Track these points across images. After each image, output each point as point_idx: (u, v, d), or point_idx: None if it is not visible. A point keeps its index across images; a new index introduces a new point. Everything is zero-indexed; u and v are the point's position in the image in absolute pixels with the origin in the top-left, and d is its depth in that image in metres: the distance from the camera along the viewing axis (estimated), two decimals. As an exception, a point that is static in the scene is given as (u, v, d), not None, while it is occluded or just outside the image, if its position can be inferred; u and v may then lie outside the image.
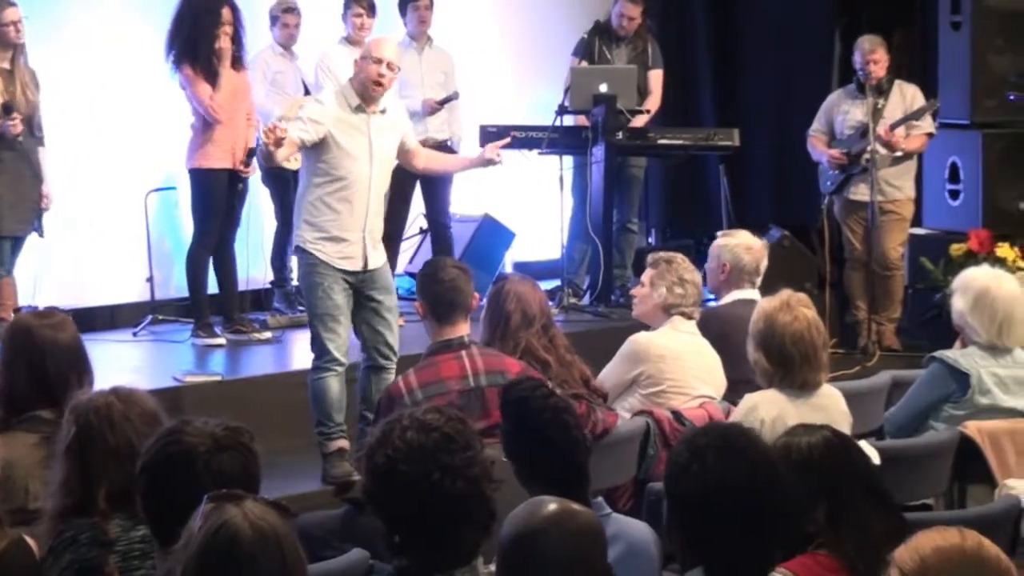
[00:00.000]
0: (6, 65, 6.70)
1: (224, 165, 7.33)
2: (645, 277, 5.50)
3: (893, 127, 8.25)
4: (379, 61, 5.78)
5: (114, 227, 8.11)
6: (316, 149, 5.81)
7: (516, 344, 4.98)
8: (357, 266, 5.86)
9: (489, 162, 6.25)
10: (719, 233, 6.08)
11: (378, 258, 5.95)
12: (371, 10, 8.09)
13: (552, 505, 2.62)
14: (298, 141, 5.77)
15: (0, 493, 3.36)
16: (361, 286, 5.88)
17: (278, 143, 5.63)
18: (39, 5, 7.52)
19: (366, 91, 5.80)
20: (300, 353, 7.29)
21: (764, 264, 5.90)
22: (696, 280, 5.47)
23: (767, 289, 4.95)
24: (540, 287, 5.29)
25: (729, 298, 5.83)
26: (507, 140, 6.66)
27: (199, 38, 7.22)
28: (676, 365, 5.28)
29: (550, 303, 5.64)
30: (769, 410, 4.45)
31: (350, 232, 5.83)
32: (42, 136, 6.95)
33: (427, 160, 6.34)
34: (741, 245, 5.86)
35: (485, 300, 5.23)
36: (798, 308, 4.53)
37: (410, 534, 2.81)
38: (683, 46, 10.37)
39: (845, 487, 3.11)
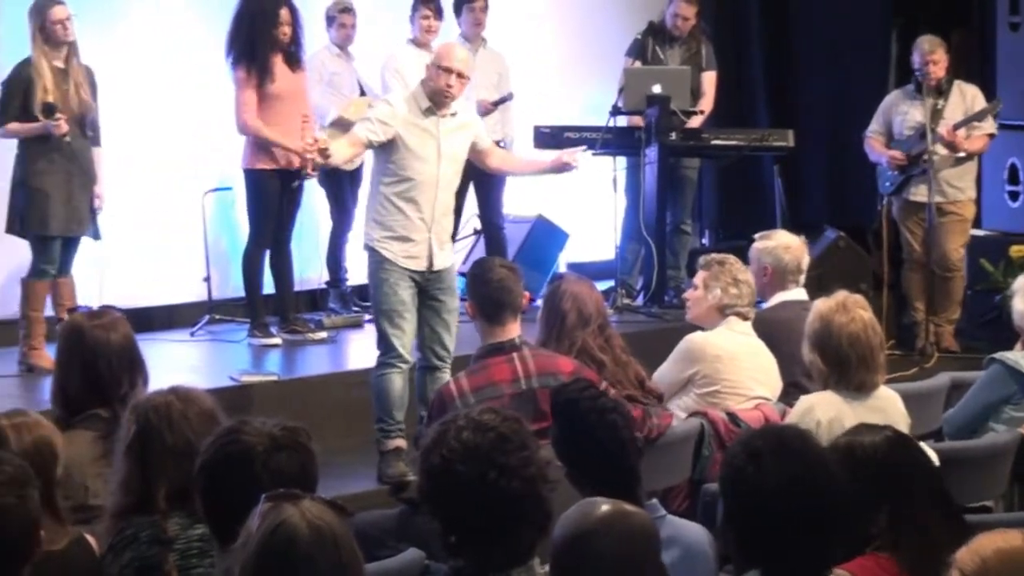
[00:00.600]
0: (60, 64, 6.71)
1: (278, 166, 7.35)
2: (698, 279, 5.47)
3: (956, 128, 8.17)
4: (449, 71, 5.81)
5: (172, 227, 8.17)
6: (385, 150, 5.86)
7: (572, 343, 4.98)
8: (422, 266, 5.88)
9: (566, 167, 6.22)
10: (756, 236, 6.03)
11: (445, 259, 5.99)
12: (438, 13, 8.12)
13: (605, 506, 2.61)
14: (365, 141, 5.84)
15: (61, 491, 3.39)
16: (426, 285, 5.91)
17: (323, 155, 5.68)
18: (94, 3, 7.58)
19: (436, 98, 5.84)
20: (355, 353, 7.33)
21: (806, 261, 5.87)
22: (750, 280, 5.46)
23: (822, 290, 4.91)
24: (596, 287, 5.28)
25: (774, 300, 5.80)
26: (582, 148, 6.61)
27: (256, 39, 7.25)
28: (732, 365, 5.26)
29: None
30: (826, 411, 4.42)
31: (417, 232, 5.86)
32: (97, 136, 6.93)
33: (501, 160, 6.36)
34: (780, 246, 5.83)
35: (541, 300, 5.23)
36: (855, 309, 4.50)
37: (466, 534, 2.80)
38: (737, 47, 10.32)
39: (907, 487, 3.08)
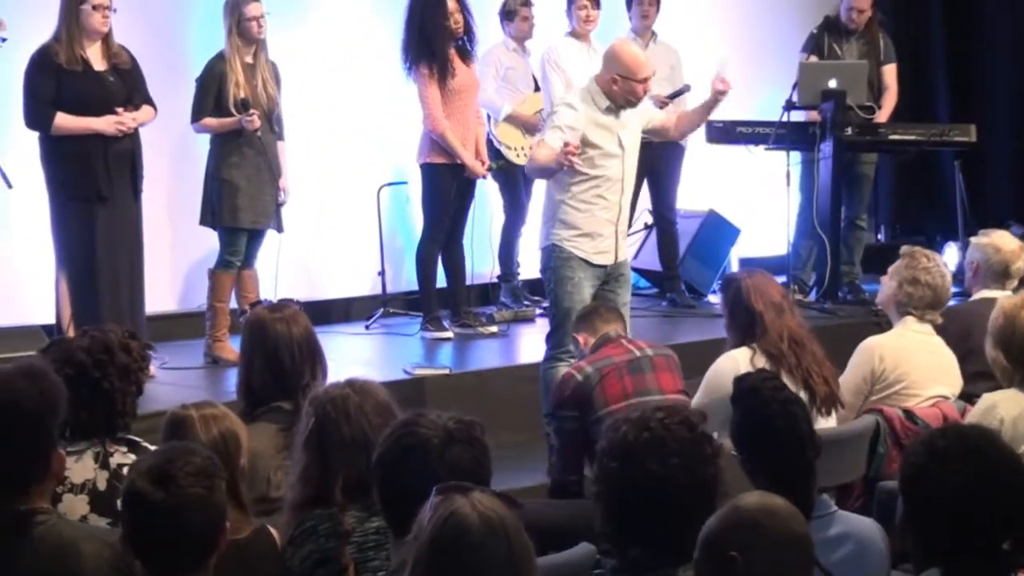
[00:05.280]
0: (249, 60, 6.86)
1: (453, 161, 7.40)
2: (892, 266, 5.40)
3: None
4: (645, 80, 5.87)
5: (348, 221, 8.32)
6: None
7: (779, 335, 4.92)
8: (610, 260, 5.94)
9: (721, 94, 6.20)
10: (981, 232, 5.98)
11: (624, 250, 6.05)
12: (595, 2, 8.05)
13: (752, 503, 2.58)
14: None
15: (245, 482, 3.46)
16: (607, 279, 5.94)
17: (574, 158, 5.70)
18: (280, 1, 7.73)
19: (625, 103, 5.87)
20: (526, 347, 7.36)
21: (1018, 267, 5.72)
22: (934, 283, 5.24)
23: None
24: (768, 274, 5.21)
25: (976, 297, 5.69)
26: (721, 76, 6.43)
27: (431, 34, 7.32)
28: (908, 365, 5.14)
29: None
30: (1009, 409, 4.32)
31: (605, 227, 5.91)
32: (281, 131, 7.07)
33: (678, 125, 6.39)
34: (991, 245, 5.74)
35: (724, 307, 5.13)
36: (1041, 306, 4.38)
37: (636, 530, 2.81)
38: (916, 37, 10.09)
39: None
